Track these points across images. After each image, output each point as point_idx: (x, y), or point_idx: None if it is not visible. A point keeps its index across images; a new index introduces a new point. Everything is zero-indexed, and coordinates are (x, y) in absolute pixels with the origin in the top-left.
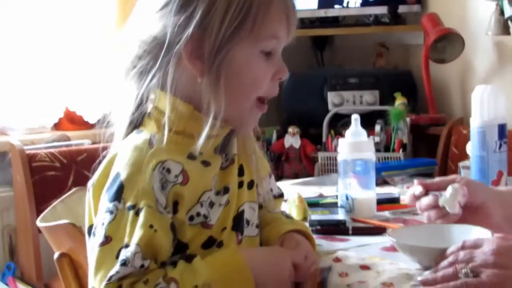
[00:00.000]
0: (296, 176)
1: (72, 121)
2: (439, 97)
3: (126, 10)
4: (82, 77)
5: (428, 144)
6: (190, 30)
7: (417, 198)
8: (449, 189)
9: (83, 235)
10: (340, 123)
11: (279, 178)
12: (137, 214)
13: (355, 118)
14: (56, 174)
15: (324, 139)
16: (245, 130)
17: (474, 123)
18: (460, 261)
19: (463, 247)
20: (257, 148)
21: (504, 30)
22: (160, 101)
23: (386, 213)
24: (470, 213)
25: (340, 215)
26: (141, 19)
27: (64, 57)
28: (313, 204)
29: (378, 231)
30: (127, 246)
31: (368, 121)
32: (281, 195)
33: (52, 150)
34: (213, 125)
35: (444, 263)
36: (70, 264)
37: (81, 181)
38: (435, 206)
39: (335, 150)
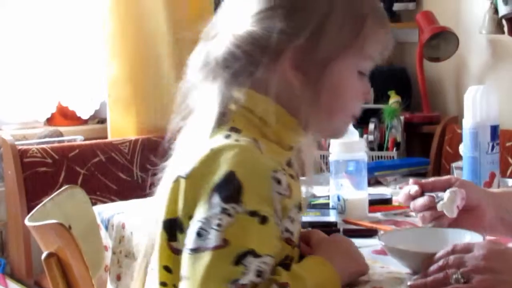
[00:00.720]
0: None
1: (65, 116)
2: (433, 95)
3: (119, 3)
4: (75, 71)
5: (422, 142)
6: (299, 40)
7: (412, 197)
8: (447, 193)
9: (71, 234)
10: None
11: None
12: (262, 222)
13: None
14: (48, 170)
15: None
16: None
17: (467, 124)
18: (450, 266)
19: (453, 251)
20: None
21: (498, 28)
22: (259, 105)
23: (378, 214)
24: (464, 214)
25: (332, 217)
26: (237, 16)
27: (56, 51)
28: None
29: (369, 233)
30: (257, 255)
31: (361, 119)
32: None
33: (44, 145)
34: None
35: (434, 267)
36: (58, 264)
37: (73, 178)
38: (430, 207)
39: (328, 148)
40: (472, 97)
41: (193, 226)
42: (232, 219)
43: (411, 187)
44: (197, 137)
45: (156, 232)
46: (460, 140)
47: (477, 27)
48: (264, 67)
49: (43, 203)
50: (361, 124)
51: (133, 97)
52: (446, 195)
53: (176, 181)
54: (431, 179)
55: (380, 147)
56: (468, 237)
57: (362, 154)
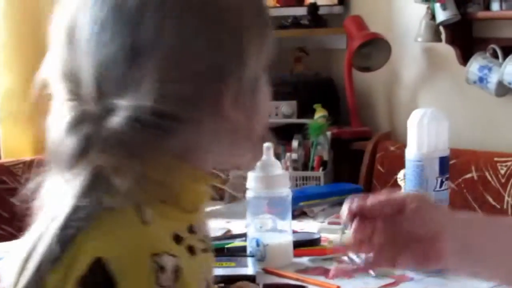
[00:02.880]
0: None
1: None
2: (363, 109)
3: (14, 10)
4: None
5: (351, 161)
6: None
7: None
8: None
9: None
10: None
11: None
12: None
13: (267, 147)
14: None
15: None
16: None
17: (410, 155)
18: None
19: None
20: None
21: (436, 36)
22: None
23: (305, 260)
24: (417, 244)
25: (249, 268)
26: None
27: None
28: (218, 249)
29: None
30: None
31: (285, 135)
32: None
33: None
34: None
35: None
36: None
37: None
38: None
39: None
40: (418, 122)
41: None
42: None
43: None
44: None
45: None
46: (393, 158)
47: (411, 34)
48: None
49: None
50: (283, 141)
51: (29, 113)
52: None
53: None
54: (380, 198)
55: (305, 167)
56: None
57: (286, 190)
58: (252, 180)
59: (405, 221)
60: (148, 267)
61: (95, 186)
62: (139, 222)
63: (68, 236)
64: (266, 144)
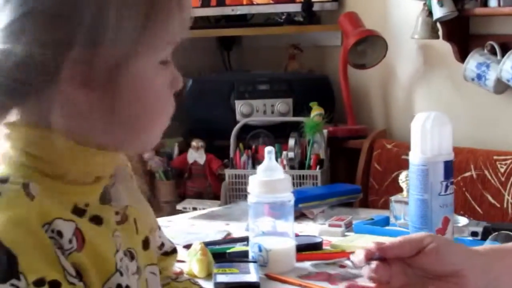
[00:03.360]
0: (200, 195)
1: None
2: (358, 107)
3: None
4: None
5: (347, 159)
6: (74, 50)
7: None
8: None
9: None
10: (249, 136)
11: (181, 198)
12: None
13: (269, 151)
14: None
15: (231, 154)
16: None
17: (415, 159)
18: None
19: None
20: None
21: (433, 33)
22: (20, 137)
23: (308, 265)
24: (440, 283)
25: (252, 274)
26: None
27: None
28: (219, 254)
29: None
30: None
31: (280, 133)
32: (174, 250)
33: None
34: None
35: None
36: None
37: None
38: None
39: (244, 167)
40: (421, 126)
41: None
42: None
43: (368, 252)
44: None
45: None
46: (390, 156)
47: (407, 30)
48: (34, 95)
49: None
50: (279, 139)
51: None
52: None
53: None
54: (399, 239)
55: (301, 165)
56: None
57: (287, 195)
58: (253, 184)
59: (424, 261)
60: (41, 235)
61: None
62: (25, 197)
63: None
64: (268, 148)
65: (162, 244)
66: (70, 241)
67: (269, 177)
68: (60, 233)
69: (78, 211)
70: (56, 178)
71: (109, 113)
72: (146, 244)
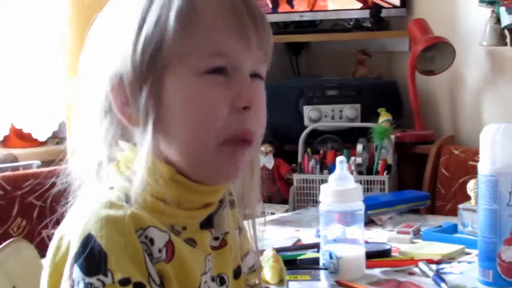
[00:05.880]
0: (269, 200)
1: (21, 137)
2: (426, 112)
3: (79, 16)
4: (29, 90)
5: (414, 164)
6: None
7: None
8: None
9: None
10: (317, 141)
11: None
12: None
13: (340, 161)
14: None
15: (299, 159)
16: (221, 181)
17: (484, 170)
18: None
19: None
20: (240, 218)
21: (501, 40)
22: (129, 154)
23: (377, 272)
24: None
25: (323, 281)
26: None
27: (9, 68)
28: (290, 261)
29: None
30: None
31: (348, 139)
32: (260, 268)
33: None
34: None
35: None
36: None
37: (27, 212)
38: None
39: (312, 172)
40: (491, 138)
41: None
42: None
43: None
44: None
45: None
46: (457, 162)
47: (475, 37)
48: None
49: None
50: (347, 144)
51: None
52: None
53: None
54: None
55: (369, 171)
56: None
57: (358, 204)
58: (325, 193)
59: None
60: (133, 238)
61: None
62: (124, 203)
63: None
64: (340, 158)
65: (253, 265)
66: (160, 251)
67: (341, 186)
68: (152, 241)
69: (174, 231)
70: (158, 199)
71: (144, 129)
72: (237, 273)
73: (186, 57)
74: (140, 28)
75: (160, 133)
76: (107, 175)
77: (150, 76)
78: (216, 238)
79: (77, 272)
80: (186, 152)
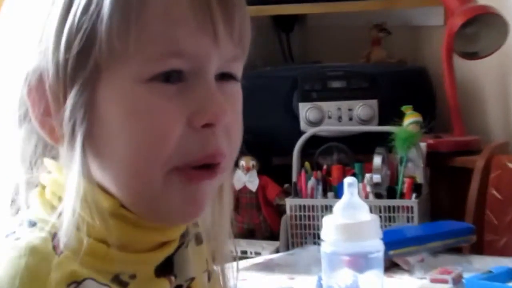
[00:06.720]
0: (252, 234)
1: None
2: (469, 110)
3: None
4: None
5: (453, 184)
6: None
7: None
8: None
9: None
10: (318, 151)
11: None
12: None
13: (350, 184)
14: None
15: (294, 177)
16: (176, 223)
17: None
18: None
19: None
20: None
21: None
22: (58, 177)
23: None
24: None
25: None
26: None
27: None
28: None
29: None
30: None
31: (362, 148)
32: None
33: None
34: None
35: None
36: None
37: None
38: None
39: (312, 195)
40: None
41: None
42: None
43: None
44: None
45: None
46: None
47: None
48: None
49: None
50: (360, 156)
51: None
52: None
53: None
54: None
55: (391, 193)
56: None
57: (376, 242)
58: (329, 228)
59: None
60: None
61: None
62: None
63: None
64: (349, 180)
65: None
66: None
67: (350, 218)
68: None
69: (119, 283)
70: (97, 240)
71: (72, 150)
72: None
73: (126, 57)
74: (67, 11)
75: (91, 155)
76: (26, 206)
77: (78, 78)
78: (178, 287)
79: None
80: (125, 183)
